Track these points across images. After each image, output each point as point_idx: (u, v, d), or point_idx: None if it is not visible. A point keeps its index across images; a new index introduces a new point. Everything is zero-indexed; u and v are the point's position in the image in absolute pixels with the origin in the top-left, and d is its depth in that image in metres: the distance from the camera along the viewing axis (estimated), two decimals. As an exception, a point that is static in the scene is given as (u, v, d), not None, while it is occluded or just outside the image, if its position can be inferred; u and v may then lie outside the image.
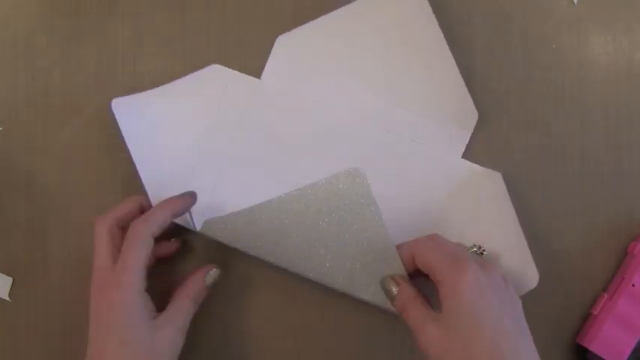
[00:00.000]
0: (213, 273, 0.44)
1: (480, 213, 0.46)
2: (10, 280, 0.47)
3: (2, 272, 0.47)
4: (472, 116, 0.47)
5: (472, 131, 0.47)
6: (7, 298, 0.47)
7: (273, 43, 0.48)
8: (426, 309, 0.39)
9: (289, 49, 0.47)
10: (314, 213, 0.43)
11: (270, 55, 0.47)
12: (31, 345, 0.47)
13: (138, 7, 0.48)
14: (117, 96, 0.46)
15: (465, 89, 0.46)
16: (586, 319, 0.48)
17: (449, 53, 0.45)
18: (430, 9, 0.45)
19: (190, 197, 0.44)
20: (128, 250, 0.40)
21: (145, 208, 0.44)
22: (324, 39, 0.47)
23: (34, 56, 0.48)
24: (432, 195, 0.47)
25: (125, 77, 0.48)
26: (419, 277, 0.42)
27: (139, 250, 0.40)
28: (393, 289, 0.41)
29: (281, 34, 0.47)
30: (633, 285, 0.46)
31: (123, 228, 0.42)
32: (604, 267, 0.49)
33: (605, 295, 0.47)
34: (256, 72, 0.48)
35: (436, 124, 0.47)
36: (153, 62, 0.48)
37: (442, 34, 0.45)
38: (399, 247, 0.43)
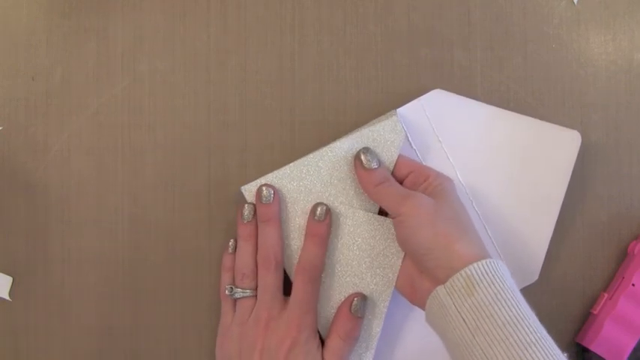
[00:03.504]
0: (357, 302, 0.43)
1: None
2: (10, 279, 0.47)
3: (2, 272, 0.47)
4: (532, 276, 0.47)
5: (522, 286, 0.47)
6: (7, 298, 0.47)
7: (273, 43, 0.48)
8: (400, 185, 0.43)
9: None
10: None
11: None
12: (31, 345, 0.47)
13: (138, 6, 0.48)
14: (117, 95, 0.46)
15: (544, 253, 0.47)
16: (586, 318, 0.48)
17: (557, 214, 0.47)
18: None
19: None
20: (297, 294, 0.43)
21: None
22: None
23: (34, 56, 0.48)
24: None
25: (125, 77, 0.48)
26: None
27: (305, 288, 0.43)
28: (372, 164, 0.43)
29: (281, 33, 0.48)
30: (633, 285, 0.46)
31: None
32: (604, 267, 0.49)
33: (605, 295, 0.47)
34: (255, 72, 0.48)
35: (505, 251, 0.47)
36: (153, 62, 0.48)
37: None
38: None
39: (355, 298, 0.43)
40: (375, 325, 0.44)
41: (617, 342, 0.46)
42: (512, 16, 0.49)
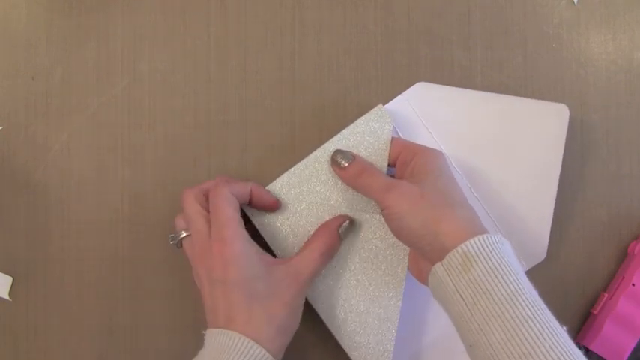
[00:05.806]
0: (347, 225, 0.44)
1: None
2: (10, 279, 0.47)
3: (2, 272, 0.47)
4: (539, 255, 0.47)
5: (530, 266, 0.47)
6: (7, 298, 0.47)
7: (273, 43, 0.48)
8: (384, 174, 0.43)
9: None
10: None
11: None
12: (31, 345, 0.47)
13: (138, 6, 0.48)
14: (117, 95, 0.46)
15: (548, 231, 0.47)
16: (586, 318, 0.48)
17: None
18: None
19: (275, 202, 0.44)
20: (217, 209, 0.40)
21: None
22: None
23: (34, 56, 0.48)
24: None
25: (125, 77, 0.48)
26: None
27: (227, 205, 0.40)
28: (344, 162, 0.43)
29: (281, 33, 0.48)
30: (633, 284, 0.46)
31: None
32: (604, 267, 0.49)
33: (605, 295, 0.47)
34: (255, 72, 0.48)
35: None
36: (153, 62, 0.48)
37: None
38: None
39: (347, 221, 0.44)
40: (390, 326, 0.44)
41: (617, 342, 0.46)
42: (512, 16, 0.49)
